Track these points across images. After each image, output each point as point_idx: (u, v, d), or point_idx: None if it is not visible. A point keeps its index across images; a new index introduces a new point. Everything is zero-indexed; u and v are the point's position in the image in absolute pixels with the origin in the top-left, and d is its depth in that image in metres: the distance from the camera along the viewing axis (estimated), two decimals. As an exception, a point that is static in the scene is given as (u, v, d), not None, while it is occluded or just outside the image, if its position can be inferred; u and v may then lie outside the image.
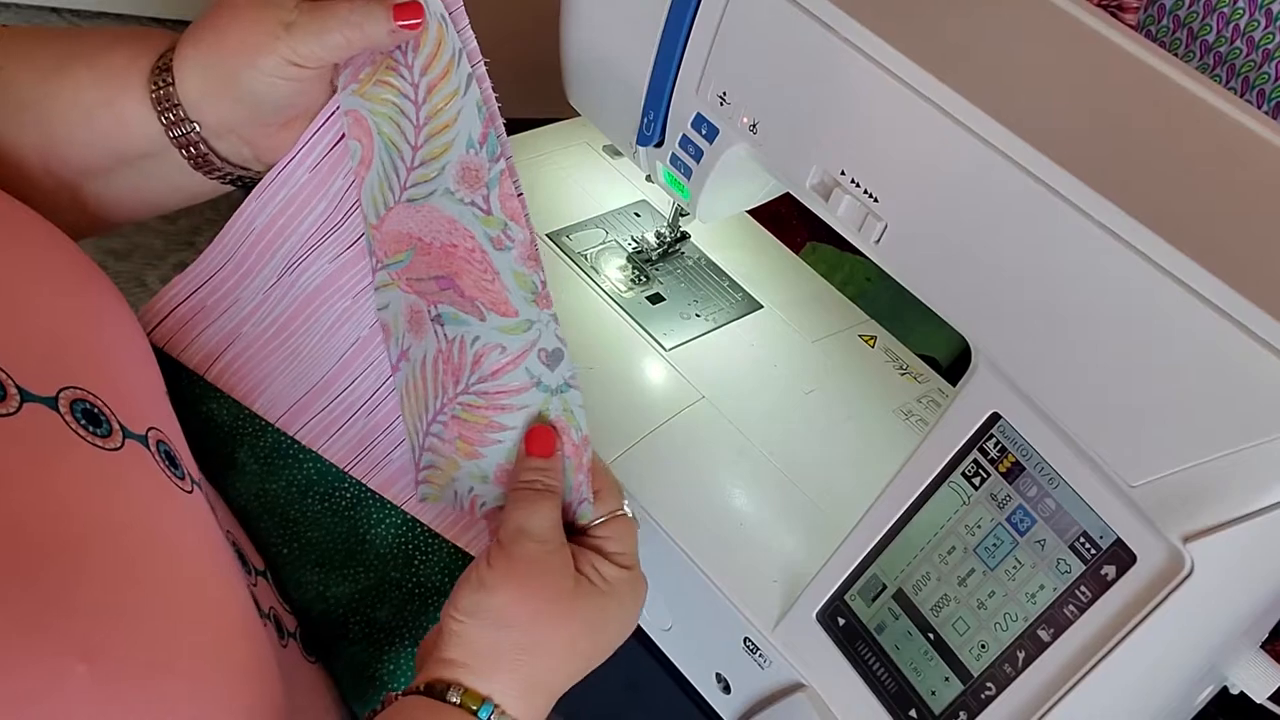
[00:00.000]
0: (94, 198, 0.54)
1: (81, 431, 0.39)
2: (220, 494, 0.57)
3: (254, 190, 0.57)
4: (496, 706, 0.45)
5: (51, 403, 0.39)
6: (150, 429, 0.44)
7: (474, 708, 0.45)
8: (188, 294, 0.58)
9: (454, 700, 0.45)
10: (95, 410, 0.41)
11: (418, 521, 0.58)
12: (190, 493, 0.44)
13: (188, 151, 0.52)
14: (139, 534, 0.39)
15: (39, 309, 0.42)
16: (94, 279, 0.46)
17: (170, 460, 0.44)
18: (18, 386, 0.38)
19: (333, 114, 0.55)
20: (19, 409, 0.37)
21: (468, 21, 0.52)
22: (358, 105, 0.54)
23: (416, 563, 0.57)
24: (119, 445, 0.41)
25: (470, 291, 0.54)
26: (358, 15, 0.49)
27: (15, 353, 0.39)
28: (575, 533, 0.53)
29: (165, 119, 0.51)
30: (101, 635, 0.35)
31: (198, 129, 0.51)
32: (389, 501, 0.58)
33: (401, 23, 0.49)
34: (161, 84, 0.50)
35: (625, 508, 0.54)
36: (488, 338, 0.54)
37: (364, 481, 0.58)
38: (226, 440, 0.58)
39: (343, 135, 0.55)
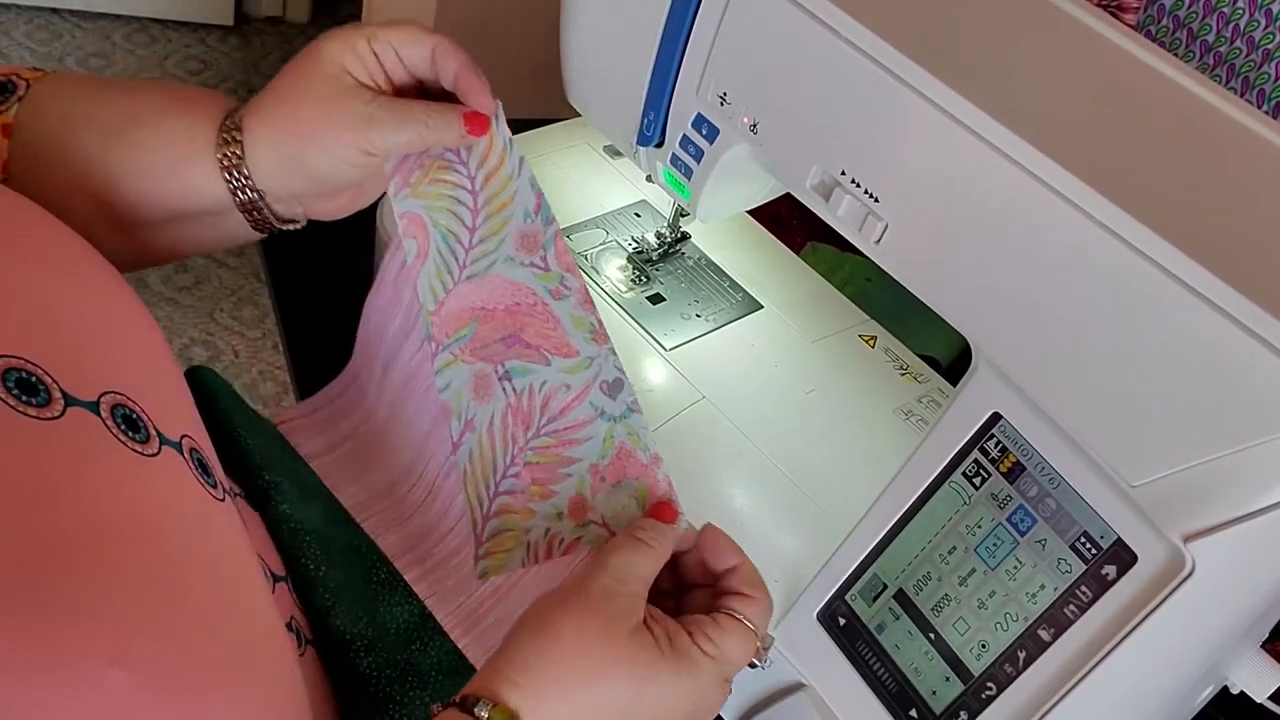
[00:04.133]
0: (146, 243, 0.57)
1: (122, 436, 0.40)
2: (274, 506, 0.58)
3: (366, 299, 0.65)
4: None
5: (94, 407, 0.39)
6: (184, 436, 0.44)
7: None
8: (334, 397, 0.67)
9: (482, 714, 0.44)
10: (134, 416, 0.41)
11: (431, 617, 0.60)
12: (222, 501, 0.45)
13: (250, 215, 0.56)
14: (177, 540, 0.39)
15: (78, 316, 0.42)
16: (122, 290, 0.46)
17: (203, 468, 0.44)
18: (62, 391, 0.38)
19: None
20: (63, 413, 0.38)
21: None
22: (412, 206, 0.60)
23: (413, 646, 0.57)
24: (156, 451, 0.41)
25: (534, 341, 0.59)
26: (434, 120, 0.54)
27: (59, 358, 0.39)
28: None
29: (233, 187, 0.54)
30: (138, 642, 0.35)
31: (262, 195, 0.55)
32: (415, 595, 0.60)
33: (471, 130, 0.55)
34: (232, 156, 0.54)
35: (762, 635, 0.50)
36: (554, 379, 0.59)
37: (403, 574, 0.60)
38: (307, 494, 0.61)
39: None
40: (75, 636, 0.33)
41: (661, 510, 0.55)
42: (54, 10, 2.31)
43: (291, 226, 0.59)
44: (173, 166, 0.54)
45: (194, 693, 0.36)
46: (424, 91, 0.58)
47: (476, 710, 0.43)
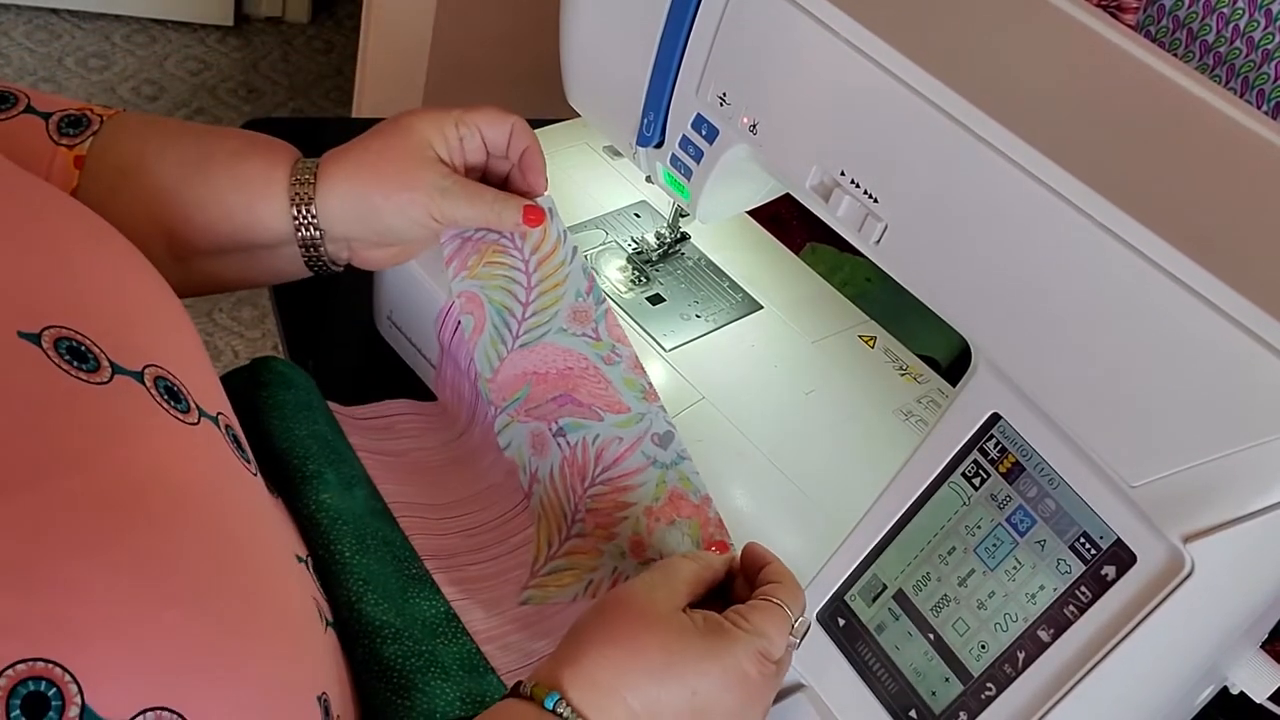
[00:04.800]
0: (199, 272, 0.62)
1: (165, 405, 0.42)
2: (312, 494, 0.60)
3: (435, 374, 0.72)
4: (564, 697, 0.47)
5: (139, 377, 0.42)
6: (219, 412, 0.47)
7: (542, 697, 0.47)
8: (394, 414, 0.71)
9: (526, 692, 0.47)
10: (175, 388, 0.43)
11: (456, 617, 0.62)
12: (255, 475, 0.48)
13: (306, 252, 0.62)
14: (220, 499, 0.42)
15: (120, 297, 0.45)
16: (158, 280, 0.49)
17: (237, 442, 0.47)
18: (109, 360, 0.41)
19: (449, 310, 0.68)
20: (110, 379, 0.40)
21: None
22: (469, 286, 0.67)
23: (438, 639, 0.59)
24: (196, 421, 0.44)
25: (587, 400, 0.65)
26: (499, 205, 0.63)
27: (108, 329, 0.42)
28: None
29: (299, 224, 0.60)
30: (191, 585, 0.37)
31: (321, 235, 0.61)
32: (441, 594, 0.62)
33: (527, 221, 0.64)
34: (304, 195, 0.60)
35: (789, 611, 0.53)
36: (606, 434, 0.64)
37: (431, 572, 0.63)
38: (351, 484, 0.63)
39: (459, 322, 0.68)
40: (134, 577, 0.36)
41: (713, 545, 0.62)
42: (53, 10, 2.31)
43: (335, 268, 0.65)
44: (246, 203, 0.60)
45: (238, 635, 0.39)
46: (482, 179, 0.66)
47: (521, 689, 0.48)
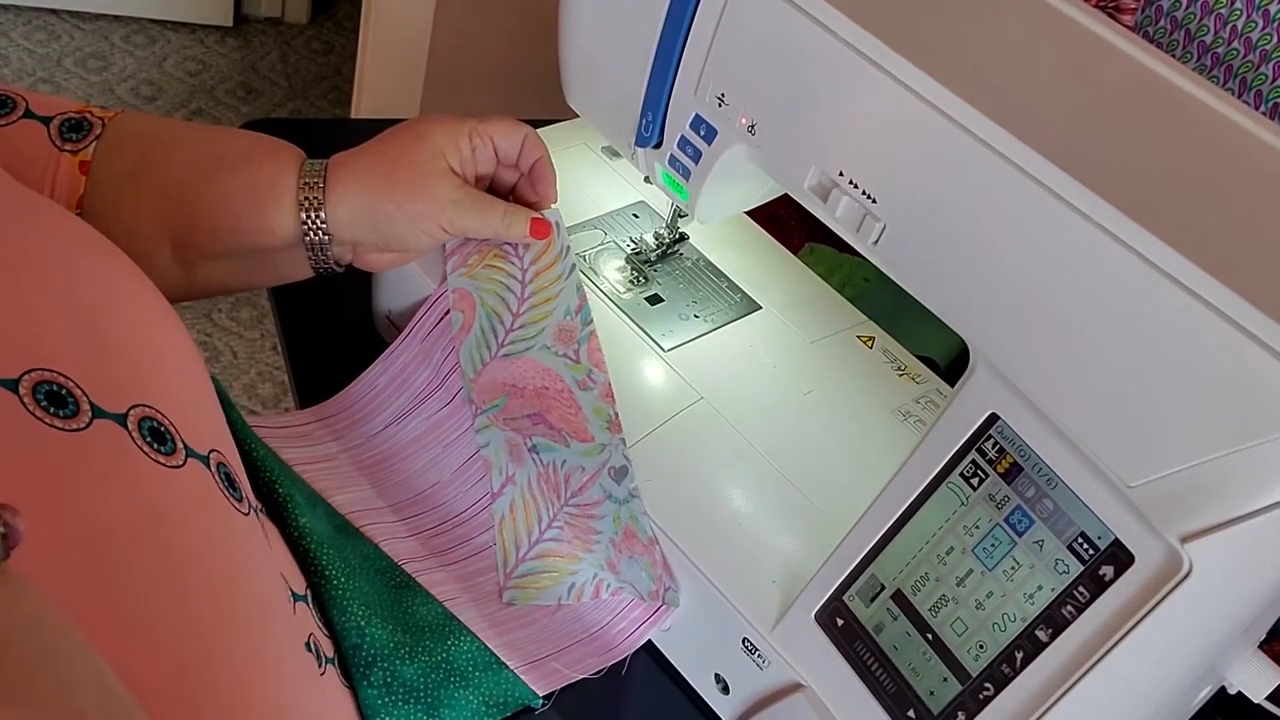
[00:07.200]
0: (201, 275, 0.61)
1: (146, 449, 0.40)
2: (292, 519, 0.59)
3: (381, 355, 0.70)
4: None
5: (121, 420, 0.40)
6: (212, 450, 0.45)
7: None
8: (322, 416, 0.70)
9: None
10: (162, 428, 0.42)
11: (453, 615, 0.62)
12: (246, 515, 0.46)
13: (312, 254, 0.62)
14: (191, 553, 0.40)
15: (119, 331, 0.44)
16: (164, 309, 0.48)
17: (230, 482, 0.45)
18: (90, 403, 0.39)
19: (439, 297, 0.68)
20: (89, 425, 0.39)
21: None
22: (465, 284, 0.67)
23: (449, 642, 0.59)
24: (181, 463, 0.42)
25: (558, 424, 0.65)
26: (508, 218, 0.64)
27: (93, 370, 0.40)
28: None
29: (307, 228, 0.60)
30: (140, 653, 0.35)
31: (329, 239, 0.61)
32: (431, 594, 0.62)
33: (534, 233, 0.65)
34: (313, 200, 0.60)
35: None
36: (572, 461, 0.64)
37: (414, 576, 0.63)
38: (313, 504, 0.62)
39: (446, 312, 0.68)
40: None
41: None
42: (53, 11, 2.31)
43: (338, 269, 0.65)
44: (254, 207, 0.59)
45: (199, 709, 0.37)
46: (489, 189, 0.67)
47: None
